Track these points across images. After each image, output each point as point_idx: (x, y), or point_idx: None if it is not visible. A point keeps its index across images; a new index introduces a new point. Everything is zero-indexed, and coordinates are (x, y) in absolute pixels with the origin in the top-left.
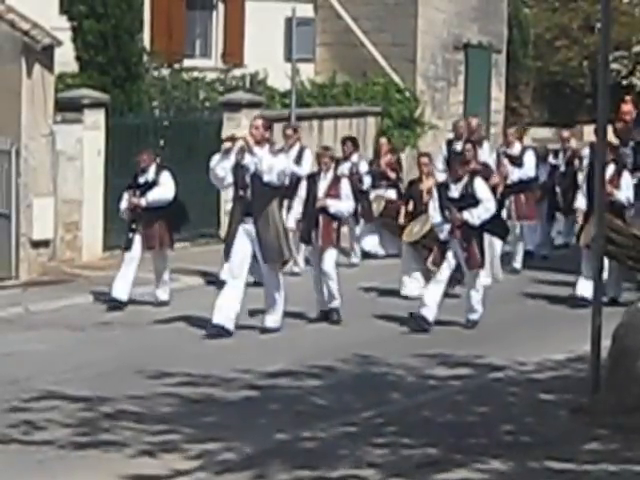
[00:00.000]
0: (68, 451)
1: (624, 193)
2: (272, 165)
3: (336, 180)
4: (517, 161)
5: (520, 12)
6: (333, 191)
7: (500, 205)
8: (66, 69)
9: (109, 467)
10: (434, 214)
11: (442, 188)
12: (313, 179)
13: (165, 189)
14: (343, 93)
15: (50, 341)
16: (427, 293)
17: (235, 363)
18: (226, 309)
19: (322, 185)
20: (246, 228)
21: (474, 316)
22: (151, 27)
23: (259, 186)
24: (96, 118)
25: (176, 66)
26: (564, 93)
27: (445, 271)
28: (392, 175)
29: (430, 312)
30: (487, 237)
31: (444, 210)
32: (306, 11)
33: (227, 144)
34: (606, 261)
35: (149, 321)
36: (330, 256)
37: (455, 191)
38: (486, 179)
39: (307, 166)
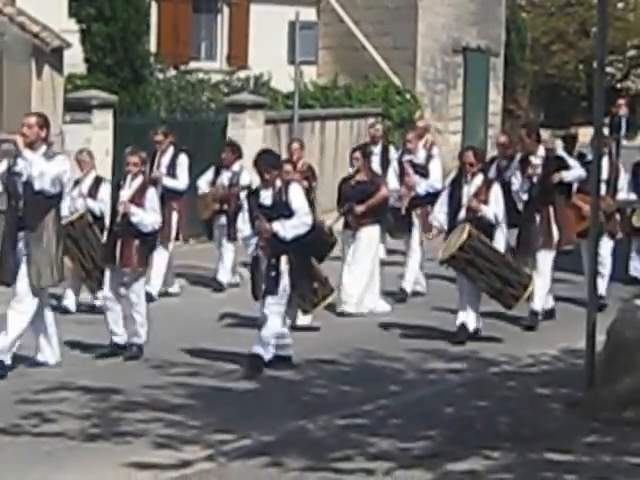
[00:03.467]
0: (77, 442)
1: (492, 209)
2: (44, 170)
3: (143, 188)
4: (421, 170)
5: (518, 16)
6: (137, 200)
7: (408, 220)
8: (75, 70)
9: (118, 458)
10: (242, 227)
11: (252, 196)
12: (118, 186)
13: None
14: (345, 95)
15: (58, 335)
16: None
17: (237, 356)
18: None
19: (125, 193)
20: (18, 245)
21: (264, 355)
22: (158, 30)
23: (31, 195)
24: (104, 118)
25: (182, 68)
26: (560, 96)
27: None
28: (304, 183)
29: (268, 354)
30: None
31: (254, 220)
32: (309, 15)
33: None
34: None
35: (153, 316)
36: (136, 283)
37: (267, 198)
38: (375, 191)
39: (183, 175)
